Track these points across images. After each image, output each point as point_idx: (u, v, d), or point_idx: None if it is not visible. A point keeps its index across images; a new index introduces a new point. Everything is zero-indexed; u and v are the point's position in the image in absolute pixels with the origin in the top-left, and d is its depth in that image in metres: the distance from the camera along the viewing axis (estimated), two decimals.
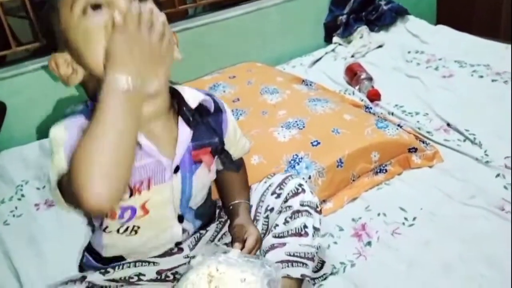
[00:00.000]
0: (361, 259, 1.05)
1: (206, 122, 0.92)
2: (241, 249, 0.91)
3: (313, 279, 0.99)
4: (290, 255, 0.94)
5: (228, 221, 1.03)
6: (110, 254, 0.94)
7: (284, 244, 0.95)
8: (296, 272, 0.93)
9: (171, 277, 0.98)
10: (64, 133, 0.74)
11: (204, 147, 0.91)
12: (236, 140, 1.00)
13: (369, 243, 1.09)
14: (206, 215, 1.02)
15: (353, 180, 1.25)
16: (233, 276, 0.91)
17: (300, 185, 1.00)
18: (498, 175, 1.22)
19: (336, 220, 1.16)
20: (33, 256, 1.13)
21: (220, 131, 0.95)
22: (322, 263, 1.03)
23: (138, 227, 0.89)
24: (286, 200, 0.99)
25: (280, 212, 0.99)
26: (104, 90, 0.67)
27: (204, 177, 0.94)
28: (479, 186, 1.19)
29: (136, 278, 0.94)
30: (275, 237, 0.97)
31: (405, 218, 1.14)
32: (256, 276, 0.91)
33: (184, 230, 0.96)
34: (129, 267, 0.95)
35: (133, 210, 0.87)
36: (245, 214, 1.01)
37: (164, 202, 0.89)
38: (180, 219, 0.94)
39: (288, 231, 0.96)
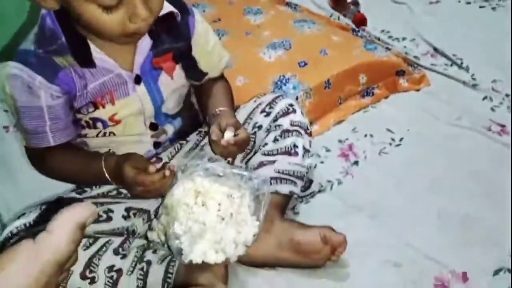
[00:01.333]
0: (348, 177, 1.05)
1: (170, 28, 0.86)
2: (234, 135, 0.85)
3: (301, 197, 0.99)
4: (279, 172, 0.93)
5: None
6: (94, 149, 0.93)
7: (273, 161, 0.93)
8: (284, 188, 0.92)
9: None
10: (12, 97, 0.81)
11: (166, 53, 0.87)
12: (208, 49, 0.93)
13: (356, 163, 1.09)
14: (186, 117, 0.98)
15: (340, 103, 1.23)
16: (219, 191, 0.89)
17: (291, 105, 0.97)
18: (485, 98, 1.23)
19: (323, 141, 1.14)
20: (6, 177, 1.08)
21: (188, 34, 0.89)
22: (310, 182, 1.03)
23: (114, 133, 0.90)
24: (275, 119, 0.96)
25: (269, 130, 0.96)
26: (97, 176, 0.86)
27: (169, 83, 0.90)
28: (466, 108, 1.20)
29: (115, 192, 0.91)
30: (264, 154, 0.95)
31: (392, 139, 1.14)
32: (243, 191, 0.90)
33: (157, 144, 0.96)
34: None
35: (103, 121, 0.87)
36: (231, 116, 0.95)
37: (134, 114, 0.89)
38: (154, 126, 0.93)
39: (277, 150, 0.94)
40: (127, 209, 0.91)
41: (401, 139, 1.13)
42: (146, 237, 0.93)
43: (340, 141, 1.15)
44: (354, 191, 1.01)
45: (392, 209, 0.96)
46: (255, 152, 0.97)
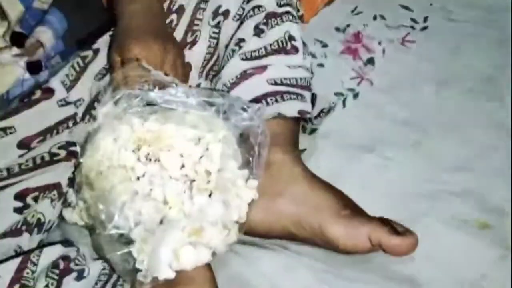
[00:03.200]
0: (365, 85, 0.71)
1: None
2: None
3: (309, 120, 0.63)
4: (276, 83, 0.58)
5: None
6: None
7: (264, 67, 0.59)
8: (290, 107, 0.58)
9: (63, 154, 0.56)
10: None
11: None
12: None
13: (371, 61, 0.73)
14: (75, 8, 0.59)
15: None
16: (177, 135, 0.52)
17: None
18: None
19: (313, 33, 0.77)
20: None
21: None
22: (313, 97, 0.67)
23: None
24: None
25: (242, 17, 0.60)
26: None
27: None
28: None
29: None
30: (246, 59, 0.59)
31: (413, 20, 0.78)
32: (221, 130, 0.53)
33: (35, 66, 0.56)
34: None
35: None
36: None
37: None
38: (18, 39, 0.57)
39: (265, 47, 0.59)
40: (20, 195, 0.51)
41: (425, 19, 0.78)
42: (62, 218, 0.57)
43: (338, 29, 0.78)
44: (379, 107, 0.67)
45: (441, 129, 0.64)
46: (225, 58, 0.59)
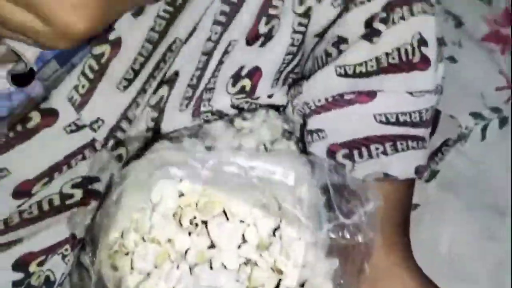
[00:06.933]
0: None
1: None
2: None
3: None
4: (388, 122, 0.38)
5: None
6: None
7: (372, 94, 0.38)
8: (405, 164, 0.39)
9: (78, 194, 0.41)
10: None
11: None
12: None
13: None
14: None
15: None
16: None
17: None
18: None
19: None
20: None
21: None
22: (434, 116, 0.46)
23: None
24: None
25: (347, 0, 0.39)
26: None
27: None
28: None
29: None
30: (345, 75, 0.39)
31: None
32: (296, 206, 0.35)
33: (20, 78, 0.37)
34: None
35: None
36: None
37: None
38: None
39: (378, 59, 0.38)
40: (21, 263, 0.39)
41: None
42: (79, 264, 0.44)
43: None
44: None
45: None
46: (314, 61, 0.41)
